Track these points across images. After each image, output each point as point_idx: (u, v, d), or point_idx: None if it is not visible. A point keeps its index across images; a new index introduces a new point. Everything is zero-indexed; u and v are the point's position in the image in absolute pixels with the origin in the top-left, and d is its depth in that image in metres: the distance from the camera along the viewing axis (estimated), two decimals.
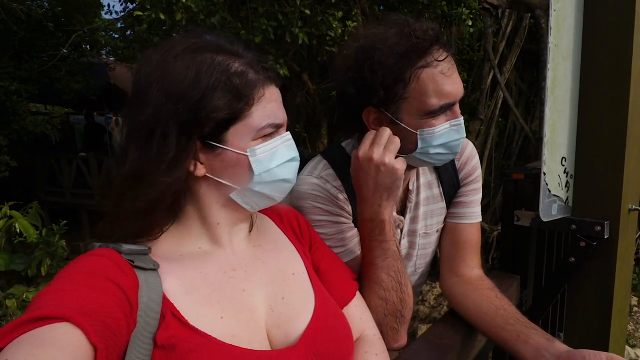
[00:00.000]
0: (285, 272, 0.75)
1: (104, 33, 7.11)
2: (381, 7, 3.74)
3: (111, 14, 5.98)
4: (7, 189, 6.90)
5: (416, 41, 0.82)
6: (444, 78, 0.82)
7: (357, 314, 0.82)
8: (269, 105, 0.67)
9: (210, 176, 0.66)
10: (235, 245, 0.73)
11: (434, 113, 0.84)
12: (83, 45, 6.96)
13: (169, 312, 0.59)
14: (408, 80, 0.82)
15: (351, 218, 0.98)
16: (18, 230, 3.65)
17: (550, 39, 1.07)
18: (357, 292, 0.86)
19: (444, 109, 0.85)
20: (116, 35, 7.06)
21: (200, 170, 0.65)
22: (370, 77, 0.83)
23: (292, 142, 0.73)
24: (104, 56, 8.29)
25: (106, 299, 0.52)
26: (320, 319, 0.70)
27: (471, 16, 3.26)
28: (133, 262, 0.59)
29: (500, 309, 0.95)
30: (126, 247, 0.61)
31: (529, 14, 4.58)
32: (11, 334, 0.45)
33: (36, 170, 7.97)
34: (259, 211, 0.80)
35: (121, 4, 4.58)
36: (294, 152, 0.72)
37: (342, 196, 0.97)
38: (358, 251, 0.96)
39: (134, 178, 0.62)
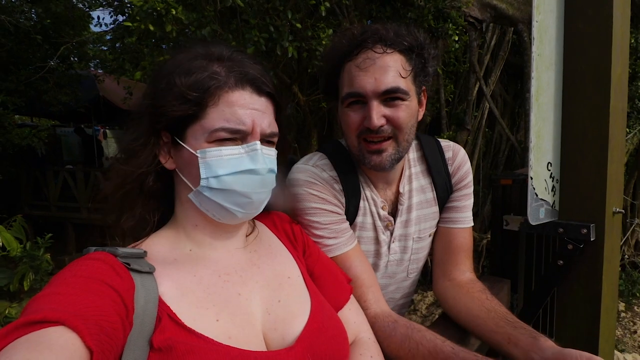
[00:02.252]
0: (281, 276, 0.75)
1: (92, 45, 7.08)
2: (369, 22, 3.83)
3: (101, 26, 6.00)
4: None
5: (345, 43, 0.92)
6: (358, 71, 0.89)
7: (352, 317, 0.83)
8: (228, 110, 0.65)
9: (178, 172, 0.70)
10: (230, 251, 0.74)
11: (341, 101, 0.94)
12: (72, 58, 6.92)
13: (165, 314, 0.59)
14: (338, 76, 0.95)
15: (344, 210, 0.99)
16: (1, 244, 3.56)
17: (534, 49, 1.11)
18: (352, 296, 0.86)
19: (350, 97, 0.91)
20: (105, 48, 7.04)
21: (170, 164, 0.70)
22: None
23: (257, 154, 0.67)
24: (92, 68, 8.25)
25: (102, 302, 0.52)
26: (316, 321, 0.71)
27: (457, 31, 3.36)
28: (129, 265, 0.59)
29: (491, 311, 0.96)
30: (122, 250, 0.61)
31: (512, 28, 4.73)
32: (6, 337, 0.45)
33: (21, 183, 7.80)
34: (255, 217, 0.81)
35: (111, 17, 4.59)
36: (257, 164, 0.66)
37: (337, 186, 0.98)
38: (351, 245, 0.97)
39: (110, 170, 0.70)
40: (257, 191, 0.68)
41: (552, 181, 1.21)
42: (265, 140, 0.70)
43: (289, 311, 0.71)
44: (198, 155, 0.65)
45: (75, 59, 7.12)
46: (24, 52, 5.90)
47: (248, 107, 0.67)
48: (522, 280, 1.49)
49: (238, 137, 0.66)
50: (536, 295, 1.36)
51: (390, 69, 0.87)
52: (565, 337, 1.27)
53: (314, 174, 0.97)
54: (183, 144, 0.66)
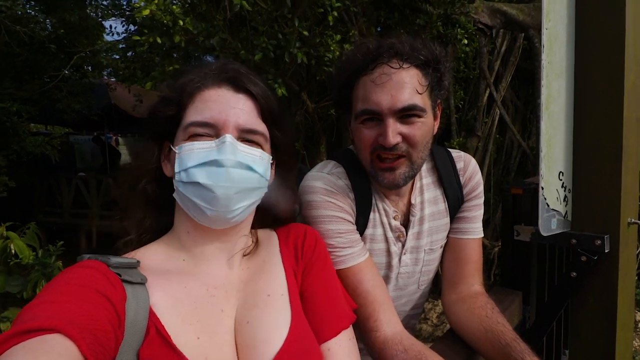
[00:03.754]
0: (260, 294, 0.70)
1: (105, 54, 7.22)
2: (379, 29, 3.83)
3: (112, 34, 6.11)
4: (6, 209, 6.86)
5: (360, 57, 0.90)
6: (373, 86, 0.87)
7: (337, 356, 0.71)
8: (201, 106, 0.68)
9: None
10: (222, 265, 0.72)
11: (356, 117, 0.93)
12: (85, 67, 7.06)
13: (154, 327, 0.59)
14: (352, 89, 0.94)
15: (354, 220, 0.97)
16: (14, 251, 3.60)
17: (543, 56, 1.09)
18: (348, 333, 0.75)
19: (364, 114, 0.90)
20: (117, 57, 7.17)
21: (169, 170, 0.71)
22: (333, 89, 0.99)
23: (226, 146, 0.63)
24: (105, 77, 8.40)
25: (96, 311, 0.52)
26: (292, 343, 0.65)
27: (466, 36, 3.34)
28: (120, 276, 0.59)
29: (488, 332, 0.93)
30: (114, 260, 0.61)
31: (523, 34, 4.69)
32: (3, 345, 0.44)
33: (35, 190, 7.94)
34: (276, 229, 0.82)
35: (123, 26, 4.68)
36: (222, 155, 0.63)
37: (352, 195, 0.97)
38: (363, 257, 0.94)
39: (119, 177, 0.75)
40: (221, 185, 0.63)
41: (564, 191, 1.18)
42: (245, 138, 0.68)
43: (259, 333, 0.65)
44: (176, 151, 0.66)
45: (89, 67, 7.27)
46: (39, 61, 6.02)
47: (221, 103, 0.67)
48: (534, 292, 1.45)
49: (211, 132, 0.66)
50: (549, 307, 1.32)
51: (406, 85, 0.85)
52: (580, 351, 1.24)
53: (331, 182, 0.95)
54: (172, 147, 0.69)
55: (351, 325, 0.76)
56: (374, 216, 1.01)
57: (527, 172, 5.28)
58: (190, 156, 0.64)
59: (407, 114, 0.86)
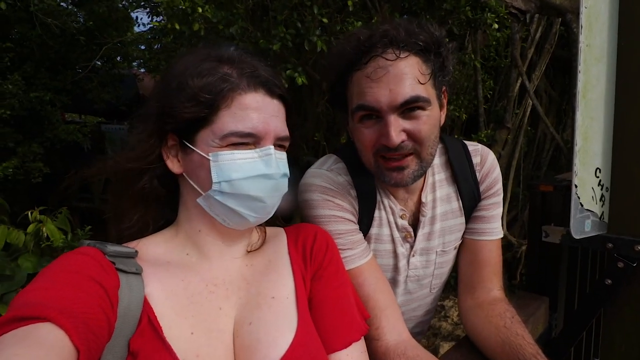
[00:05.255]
0: (264, 296, 0.69)
1: (135, 47, 7.39)
2: (405, 16, 3.68)
3: (138, 25, 6.23)
4: (42, 195, 7.21)
5: (350, 51, 0.81)
6: (369, 82, 0.78)
7: None
8: (241, 113, 0.64)
9: (185, 176, 0.68)
10: (226, 260, 0.71)
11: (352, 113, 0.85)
12: (116, 58, 7.25)
13: (146, 317, 0.59)
14: (346, 86, 0.85)
15: (357, 219, 0.91)
16: (46, 234, 3.78)
17: (582, 38, 0.98)
18: (360, 345, 0.73)
19: (361, 110, 0.82)
20: (143, 47, 7.34)
21: (177, 167, 0.68)
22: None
23: (271, 158, 0.66)
24: (135, 68, 8.61)
25: (89, 298, 0.52)
26: (298, 348, 0.63)
27: (497, 21, 3.14)
28: (115, 264, 0.59)
29: (505, 345, 0.85)
30: (111, 248, 0.61)
31: (560, 19, 4.39)
32: None
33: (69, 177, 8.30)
34: (285, 228, 0.80)
35: (148, 17, 4.74)
36: (271, 169, 0.65)
37: (353, 192, 0.90)
38: (365, 259, 0.88)
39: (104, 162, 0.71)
40: (271, 195, 0.67)
41: (601, 190, 1.07)
42: (277, 144, 0.68)
43: (261, 335, 0.63)
44: (210, 158, 0.63)
45: (120, 58, 7.46)
46: (71, 52, 6.24)
47: (261, 111, 0.65)
48: (562, 298, 1.34)
49: (250, 141, 0.64)
50: (579, 316, 1.22)
51: (406, 77, 0.76)
52: None
53: (329, 179, 0.89)
54: (193, 148, 0.65)
55: (363, 338, 0.73)
56: (379, 214, 0.94)
57: (560, 167, 5.02)
58: (233, 167, 0.63)
59: (409, 107, 0.78)
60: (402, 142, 0.79)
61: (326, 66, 0.86)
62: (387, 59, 0.76)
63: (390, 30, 0.77)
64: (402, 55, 0.76)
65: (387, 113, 0.78)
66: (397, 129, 0.78)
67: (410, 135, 0.80)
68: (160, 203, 0.71)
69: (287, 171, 0.70)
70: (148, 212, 0.71)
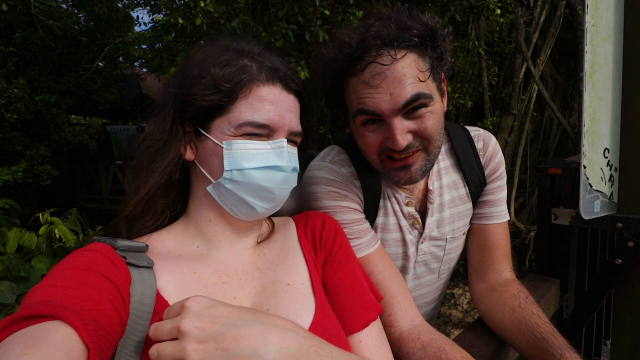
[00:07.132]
0: (280, 283, 0.69)
1: (136, 47, 7.40)
2: (406, 5, 3.65)
3: (139, 25, 6.22)
4: (51, 196, 7.30)
5: (343, 58, 0.77)
6: (367, 88, 0.76)
7: (367, 348, 0.69)
8: (257, 104, 0.64)
9: (197, 163, 0.68)
10: (237, 251, 0.71)
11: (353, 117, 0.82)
12: (117, 58, 7.28)
13: (163, 309, 0.58)
14: (342, 91, 0.83)
15: (362, 209, 0.91)
16: (58, 235, 3.83)
17: (588, 18, 0.97)
18: (378, 325, 0.73)
19: (362, 114, 0.79)
20: (144, 47, 7.33)
21: (190, 154, 0.68)
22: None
23: (284, 151, 0.66)
24: (137, 68, 8.63)
25: (99, 295, 0.52)
26: (317, 330, 0.64)
27: (500, 6, 3.11)
28: (126, 259, 0.59)
29: (521, 324, 0.85)
30: (122, 243, 0.61)
31: (564, 1, 4.33)
32: (3, 332, 0.44)
33: (77, 178, 8.40)
34: (293, 216, 0.79)
35: (149, 16, 4.74)
36: (283, 161, 0.66)
37: (357, 183, 0.90)
38: (373, 247, 0.88)
39: (139, 167, 0.68)
40: (281, 187, 0.68)
41: (610, 170, 1.07)
42: (290, 139, 0.69)
43: None
44: (224, 146, 0.64)
45: (122, 59, 7.49)
46: (73, 54, 6.27)
47: (277, 104, 0.66)
48: (572, 279, 1.34)
49: (264, 133, 0.65)
50: (590, 296, 1.22)
51: (405, 78, 0.73)
52: (623, 343, 1.13)
53: (332, 171, 0.89)
54: (207, 135, 0.65)
55: (379, 317, 0.74)
56: (384, 203, 0.94)
57: (567, 151, 4.98)
58: (245, 156, 0.64)
59: (412, 106, 0.75)
60: (408, 143, 0.77)
61: (319, 73, 0.83)
62: (383, 64, 0.73)
63: (382, 30, 0.73)
64: (398, 56, 0.73)
65: (390, 117, 0.75)
66: (403, 131, 0.76)
67: (416, 134, 0.78)
68: (178, 190, 0.71)
69: (297, 166, 0.71)
70: (168, 202, 0.70)
